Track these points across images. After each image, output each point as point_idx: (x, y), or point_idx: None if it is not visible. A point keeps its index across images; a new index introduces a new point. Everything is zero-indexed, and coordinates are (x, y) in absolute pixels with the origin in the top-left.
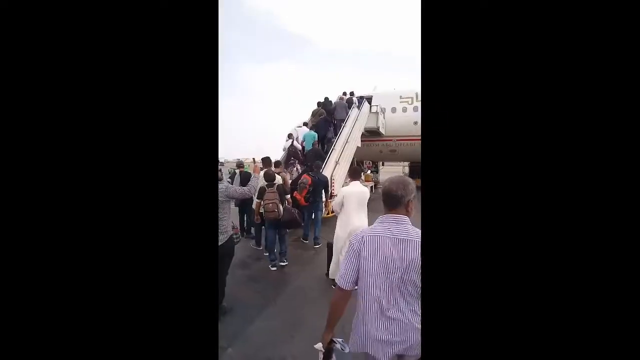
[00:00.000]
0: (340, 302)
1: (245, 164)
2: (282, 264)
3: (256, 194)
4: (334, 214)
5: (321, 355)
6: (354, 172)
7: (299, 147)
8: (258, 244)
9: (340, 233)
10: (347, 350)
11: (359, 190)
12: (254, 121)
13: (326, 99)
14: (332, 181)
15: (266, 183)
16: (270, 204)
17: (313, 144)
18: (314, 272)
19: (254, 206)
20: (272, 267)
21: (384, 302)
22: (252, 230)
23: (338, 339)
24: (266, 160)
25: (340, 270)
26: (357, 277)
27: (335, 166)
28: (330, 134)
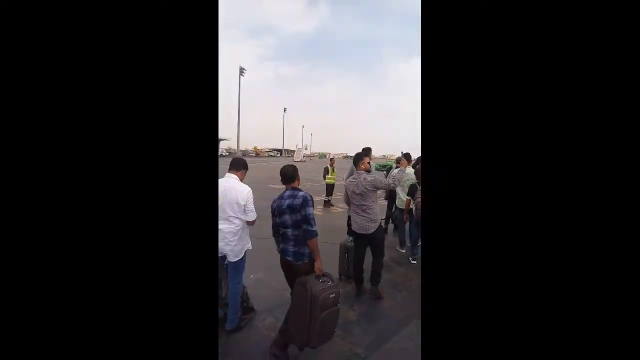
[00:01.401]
0: None
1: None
2: None
3: (406, 190)
4: None
5: None
6: None
7: None
8: (402, 245)
9: None
10: None
11: None
12: (411, 115)
13: None
14: None
15: (417, 181)
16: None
17: None
18: None
19: (397, 203)
20: (412, 260)
21: None
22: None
23: None
24: (407, 156)
25: None
26: None
27: None
28: None
